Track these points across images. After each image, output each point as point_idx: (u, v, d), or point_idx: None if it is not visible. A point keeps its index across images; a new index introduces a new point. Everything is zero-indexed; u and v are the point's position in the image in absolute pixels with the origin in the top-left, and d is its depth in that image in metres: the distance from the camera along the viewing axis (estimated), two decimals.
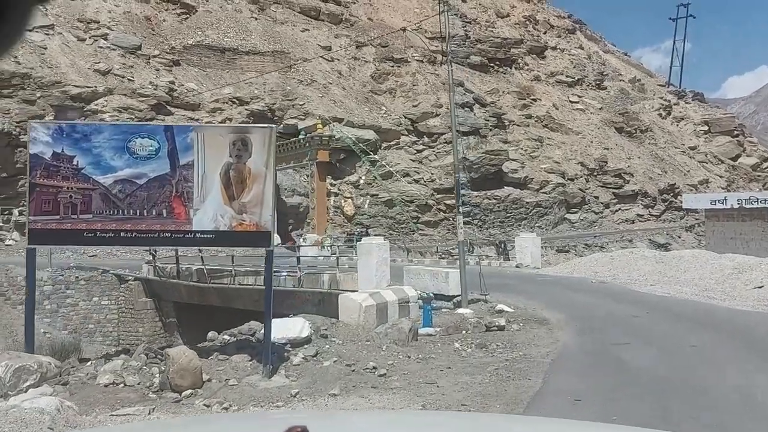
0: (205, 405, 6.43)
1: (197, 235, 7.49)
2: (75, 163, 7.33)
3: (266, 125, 8.08)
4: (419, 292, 16.15)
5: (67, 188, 7.34)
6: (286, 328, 8.69)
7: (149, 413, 5.68)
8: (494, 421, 2.80)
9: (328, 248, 34.44)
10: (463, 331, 10.90)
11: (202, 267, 24.14)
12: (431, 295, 15.91)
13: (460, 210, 15.24)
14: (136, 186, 7.43)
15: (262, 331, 8.55)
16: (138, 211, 7.47)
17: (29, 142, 7.37)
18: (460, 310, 13.37)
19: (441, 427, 2.21)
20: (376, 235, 43.23)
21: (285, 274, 22.04)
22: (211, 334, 9.68)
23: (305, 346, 8.65)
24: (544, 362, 8.53)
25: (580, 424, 2.77)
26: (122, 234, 7.53)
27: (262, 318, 14.83)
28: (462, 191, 47.93)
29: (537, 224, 46.27)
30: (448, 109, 50.13)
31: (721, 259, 20.31)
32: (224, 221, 7.39)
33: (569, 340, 10.32)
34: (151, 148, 7.27)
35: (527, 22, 65.28)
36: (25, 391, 6.31)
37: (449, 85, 14.35)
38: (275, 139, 7.47)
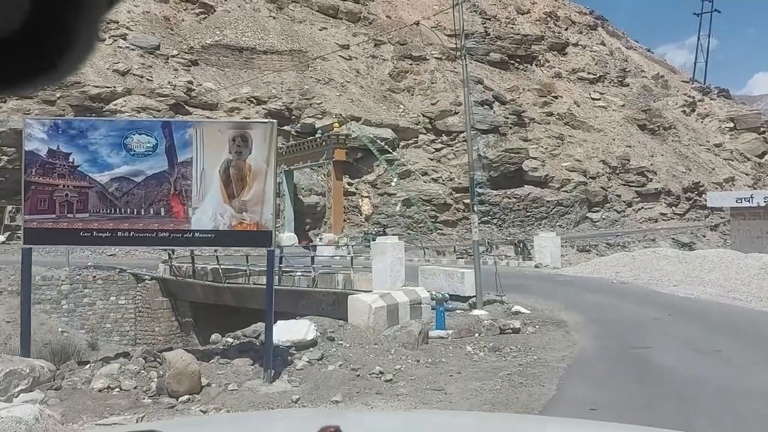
0: (201, 411, 6.18)
1: (196, 234, 7.22)
2: (71, 160, 7.10)
3: (267, 120, 7.82)
4: (434, 293, 15.84)
5: (63, 186, 7.12)
6: (291, 331, 8.42)
7: (137, 422, 5.42)
8: (532, 422, 2.79)
9: (344, 248, 34.14)
10: (476, 334, 10.53)
11: (217, 266, 24.04)
12: (445, 295, 15.57)
13: (475, 209, 14.85)
14: (133, 184, 7.18)
15: None
16: (135, 210, 7.22)
17: (24, 139, 7.16)
18: (475, 312, 13.01)
19: (474, 428, 2.16)
20: (392, 235, 42.99)
21: (299, 273, 21.82)
22: (214, 337, 9.43)
23: (311, 349, 8.36)
24: (560, 367, 8.16)
25: (597, 425, 2.80)
26: (119, 234, 7.28)
27: (279, 318, 14.63)
28: (481, 190, 47.43)
29: (558, 223, 45.66)
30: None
31: (747, 259, 19.72)
32: (224, 220, 7.11)
33: (587, 343, 9.93)
34: (148, 144, 7.02)
35: (548, 19, 64.56)
36: (17, 396, 6.10)
37: (464, 79, 14.01)
38: (276, 135, 7.19)
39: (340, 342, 8.89)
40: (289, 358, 7.99)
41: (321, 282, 20.64)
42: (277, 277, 22.34)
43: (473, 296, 14.53)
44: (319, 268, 21.18)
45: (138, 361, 7.47)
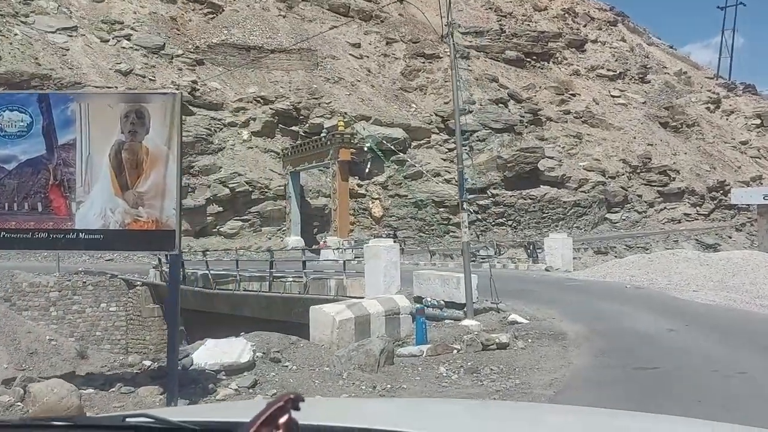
0: None
1: (81, 235, 5.82)
2: None
3: (167, 91, 6.45)
4: (429, 300, 14.40)
5: None
6: (221, 352, 7.01)
7: None
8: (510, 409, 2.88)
9: (347, 252, 32.76)
10: (455, 351, 9.03)
11: (207, 272, 22.95)
12: (441, 302, 14.14)
13: (464, 206, 13.39)
14: (4, 173, 5.81)
15: (193, 354, 6.88)
16: (7, 205, 5.86)
17: None
18: (465, 322, 11.54)
19: (451, 418, 2.06)
20: (405, 237, 41.53)
21: (291, 279, 20.61)
22: (131, 358, 8.07)
23: (245, 373, 6.94)
24: (544, 395, 6.66)
25: (611, 413, 2.68)
26: None
27: (271, 327, 13.27)
28: (494, 191, 45.64)
29: (575, 225, 43.94)
30: (481, 105, 48.11)
31: None
32: (115, 217, 5.73)
33: (584, 362, 8.41)
34: (21, 123, 5.66)
35: (566, 15, 62.75)
36: None
37: (452, 59, 12.54)
38: (181, 110, 5.79)
39: (286, 364, 7.43)
40: (211, 385, 6.56)
41: (313, 288, 19.41)
42: (267, 283, 21.07)
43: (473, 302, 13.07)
44: (311, 273, 19.96)
45: (15, 391, 6.09)
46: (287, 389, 6.80)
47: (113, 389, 6.37)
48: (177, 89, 39.89)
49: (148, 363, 7.77)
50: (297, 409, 1.34)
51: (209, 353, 6.92)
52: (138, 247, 7.31)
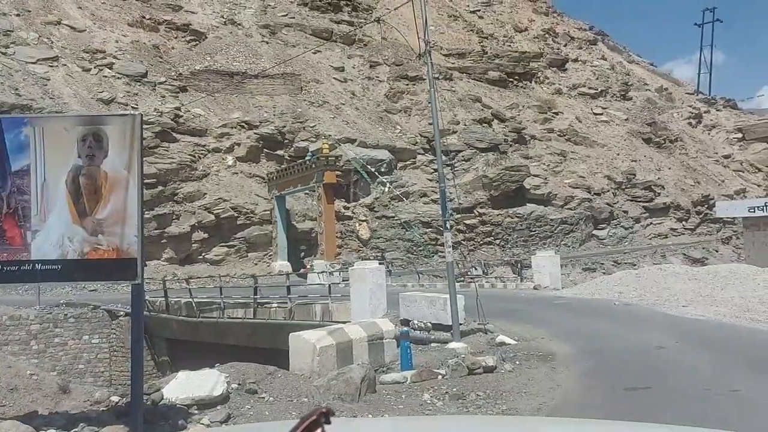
0: None
1: (37, 266, 5.49)
2: None
3: (127, 113, 6.16)
4: (415, 322, 14.13)
5: None
6: (194, 385, 6.67)
7: None
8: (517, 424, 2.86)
9: (334, 275, 32.49)
10: (440, 376, 8.72)
11: (191, 300, 22.59)
12: (428, 325, 13.87)
13: (448, 226, 13.15)
14: None
15: (164, 388, 6.55)
16: None
17: None
18: (452, 345, 11.25)
19: None
20: (394, 259, 41.27)
21: (276, 305, 20.29)
22: (98, 394, 7.70)
23: (218, 407, 6.58)
24: None
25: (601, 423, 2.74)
26: None
27: (256, 354, 12.90)
28: (481, 210, 45.47)
29: (563, 242, 43.89)
30: (465, 125, 48.22)
31: (763, 274, 17.92)
32: (73, 246, 5.40)
33: (573, 384, 8.15)
34: None
35: (546, 36, 63.29)
36: None
37: (429, 78, 12.39)
38: (141, 131, 5.50)
39: (263, 395, 7.07)
40: (181, 421, 6.20)
41: (298, 314, 19.10)
42: (252, 309, 20.74)
43: (459, 324, 12.81)
44: (296, 298, 19.66)
45: None
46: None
47: (75, 429, 6.00)
48: (160, 116, 39.67)
49: (115, 399, 7.38)
50: (328, 422, 1.39)
51: (181, 387, 6.57)
52: (98, 277, 6.98)
